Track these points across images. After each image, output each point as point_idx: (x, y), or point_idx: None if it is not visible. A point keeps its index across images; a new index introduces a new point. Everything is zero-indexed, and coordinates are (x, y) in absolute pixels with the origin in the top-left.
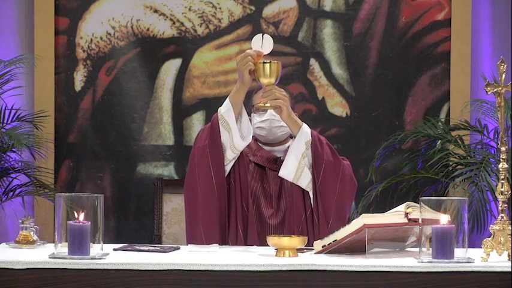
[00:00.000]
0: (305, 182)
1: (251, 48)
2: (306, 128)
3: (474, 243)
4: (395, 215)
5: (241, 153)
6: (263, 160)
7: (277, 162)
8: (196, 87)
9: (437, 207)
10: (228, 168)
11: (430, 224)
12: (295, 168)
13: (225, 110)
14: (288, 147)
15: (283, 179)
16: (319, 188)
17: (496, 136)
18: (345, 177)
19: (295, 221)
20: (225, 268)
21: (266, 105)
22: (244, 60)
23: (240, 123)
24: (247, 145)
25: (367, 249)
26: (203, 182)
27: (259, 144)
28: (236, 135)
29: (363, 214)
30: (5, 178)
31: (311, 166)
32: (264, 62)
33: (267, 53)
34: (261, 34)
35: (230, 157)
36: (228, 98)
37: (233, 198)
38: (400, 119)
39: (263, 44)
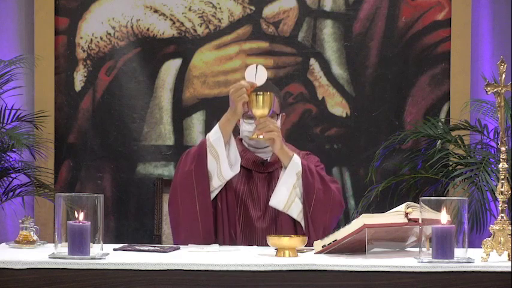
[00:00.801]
0: (296, 211)
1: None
2: (296, 159)
3: (474, 243)
4: (395, 215)
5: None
6: (249, 163)
7: (264, 164)
8: (196, 87)
9: (437, 207)
10: (213, 195)
11: (430, 224)
12: (286, 198)
13: (215, 138)
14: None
15: (271, 181)
16: (311, 216)
17: (496, 136)
18: (335, 203)
19: None
20: (225, 268)
21: (259, 137)
22: (238, 93)
23: (228, 151)
24: None
25: (367, 249)
26: (186, 210)
27: (245, 145)
28: (224, 163)
29: (363, 214)
30: (5, 178)
31: (302, 196)
32: (257, 94)
33: (261, 84)
34: (255, 65)
35: (216, 185)
36: (217, 126)
37: (220, 222)
38: (400, 119)
39: (257, 74)
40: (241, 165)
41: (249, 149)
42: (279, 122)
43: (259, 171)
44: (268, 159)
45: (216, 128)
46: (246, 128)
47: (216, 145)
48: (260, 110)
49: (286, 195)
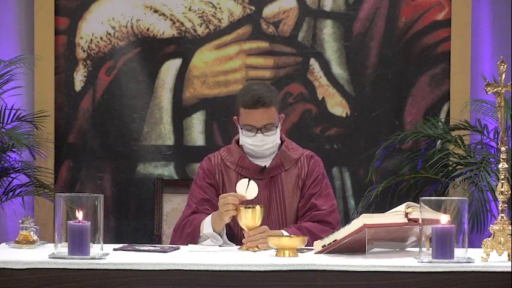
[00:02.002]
0: None
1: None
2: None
3: (474, 243)
4: (395, 215)
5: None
6: (248, 172)
7: (264, 171)
8: (196, 87)
9: (437, 207)
10: None
11: (430, 224)
12: None
13: (208, 232)
14: (275, 156)
15: (273, 186)
16: None
17: (496, 136)
18: None
19: None
20: (225, 268)
21: (250, 249)
22: (225, 207)
23: (223, 235)
24: (230, 153)
25: (367, 249)
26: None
27: (243, 150)
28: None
29: (363, 214)
30: (5, 178)
31: None
32: (246, 207)
33: (251, 198)
34: (248, 179)
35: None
36: (210, 221)
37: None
38: (400, 119)
39: (248, 189)
40: (240, 174)
41: (247, 156)
42: (278, 131)
43: (259, 178)
44: (267, 165)
45: (209, 223)
46: (246, 140)
47: (210, 236)
48: (249, 223)
49: None
